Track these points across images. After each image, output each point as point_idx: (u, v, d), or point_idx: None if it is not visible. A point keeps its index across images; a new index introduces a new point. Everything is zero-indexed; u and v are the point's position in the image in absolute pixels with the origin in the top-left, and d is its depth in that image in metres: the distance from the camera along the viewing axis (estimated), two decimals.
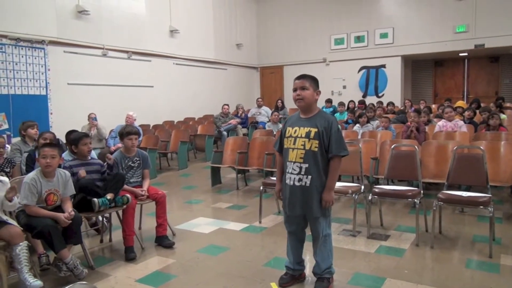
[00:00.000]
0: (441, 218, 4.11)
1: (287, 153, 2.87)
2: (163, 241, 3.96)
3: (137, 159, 4.16)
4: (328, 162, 2.82)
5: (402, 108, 10.37)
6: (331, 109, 10.80)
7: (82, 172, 3.70)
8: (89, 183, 3.61)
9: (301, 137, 2.80)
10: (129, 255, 3.64)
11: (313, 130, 2.78)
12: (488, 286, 2.95)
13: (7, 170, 3.90)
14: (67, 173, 3.41)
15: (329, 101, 11.22)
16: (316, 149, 2.77)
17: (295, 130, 2.84)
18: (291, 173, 2.83)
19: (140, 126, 8.43)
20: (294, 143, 2.82)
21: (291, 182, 2.83)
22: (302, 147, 2.79)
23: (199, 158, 9.38)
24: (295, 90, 2.84)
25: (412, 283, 3.01)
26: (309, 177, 2.78)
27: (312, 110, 2.86)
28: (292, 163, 2.82)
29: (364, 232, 4.13)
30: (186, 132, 8.73)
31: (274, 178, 4.86)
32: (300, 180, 2.80)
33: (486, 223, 4.04)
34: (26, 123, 4.97)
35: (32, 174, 3.21)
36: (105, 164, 3.95)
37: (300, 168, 2.79)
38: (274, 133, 7.44)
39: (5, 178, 3.11)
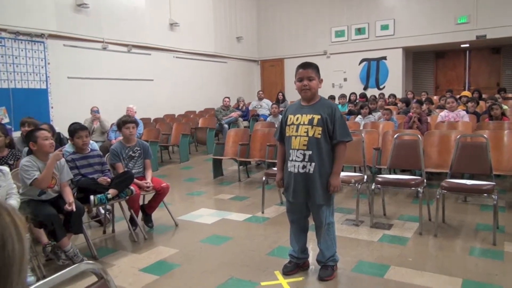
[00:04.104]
0: (444, 207, 4.10)
1: (289, 141, 2.85)
2: (147, 219, 4.19)
3: (138, 149, 4.15)
4: (331, 149, 2.81)
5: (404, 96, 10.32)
6: None
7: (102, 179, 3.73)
8: (89, 184, 3.57)
9: (303, 124, 2.78)
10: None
11: (316, 117, 2.76)
12: (492, 273, 2.95)
13: (11, 162, 3.89)
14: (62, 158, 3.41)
15: (332, 97, 11.01)
16: (319, 136, 2.75)
17: (297, 118, 2.82)
18: (295, 161, 2.81)
19: (141, 119, 8.41)
20: (296, 131, 2.80)
21: (295, 170, 2.81)
22: (305, 134, 2.77)
23: (200, 151, 9.37)
24: (301, 80, 2.80)
25: (416, 270, 3.01)
26: (313, 164, 2.76)
27: (314, 98, 2.85)
28: (296, 150, 2.80)
29: (367, 221, 4.12)
30: (187, 125, 8.71)
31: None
32: (304, 167, 2.78)
33: (489, 211, 4.05)
34: (22, 120, 4.95)
35: (27, 158, 3.24)
36: (106, 156, 3.94)
37: (304, 155, 2.77)
38: (276, 125, 7.41)
39: (5, 168, 3.09)
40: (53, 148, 3.27)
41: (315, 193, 2.80)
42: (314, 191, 2.79)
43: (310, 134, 2.76)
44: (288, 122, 2.87)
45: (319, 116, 2.76)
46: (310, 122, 2.77)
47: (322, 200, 2.82)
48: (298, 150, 2.79)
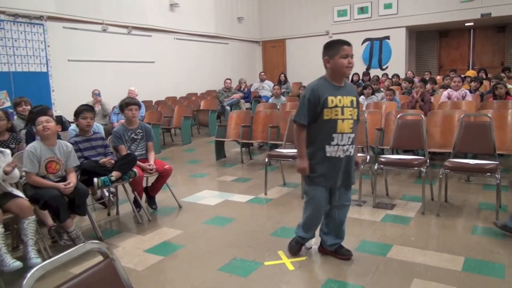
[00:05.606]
0: (447, 186, 4.11)
1: (333, 124, 2.67)
2: (151, 202, 4.25)
3: (140, 131, 4.15)
4: None
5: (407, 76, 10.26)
6: None
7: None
8: (92, 167, 3.57)
9: (347, 106, 2.69)
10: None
11: (354, 98, 2.75)
12: (494, 251, 2.97)
13: (12, 146, 3.89)
14: (69, 145, 3.42)
15: None
16: (356, 118, 2.77)
17: (340, 100, 2.67)
18: (342, 145, 2.70)
19: (142, 102, 8.38)
20: (342, 113, 2.67)
21: (338, 154, 2.71)
22: (350, 117, 2.70)
23: (202, 134, 9.37)
24: (346, 56, 2.66)
25: (418, 249, 3.03)
26: (353, 146, 2.77)
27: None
28: (344, 134, 2.69)
29: (369, 202, 4.13)
30: (189, 107, 8.68)
31: (280, 150, 4.85)
32: (346, 150, 2.73)
33: (492, 191, 4.05)
34: (14, 100, 5.01)
35: (34, 143, 3.27)
36: (108, 139, 3.95)
37: (349, 138, 2.72)
38: (278, 107, 7.37)
39: (6, 150, 3.10)
40: (49, 130, 3.22)
41: (351, 173, 2.81)
42: (351, 171, 2.81)
43: (354, 117, 2.74)
44: (330, 105, 2.66)
45: (355, 98, 2.76)
46: (352, 104, 2.72)
47: (354, 178, 2.87)
48: (345, 133, 2.69)
